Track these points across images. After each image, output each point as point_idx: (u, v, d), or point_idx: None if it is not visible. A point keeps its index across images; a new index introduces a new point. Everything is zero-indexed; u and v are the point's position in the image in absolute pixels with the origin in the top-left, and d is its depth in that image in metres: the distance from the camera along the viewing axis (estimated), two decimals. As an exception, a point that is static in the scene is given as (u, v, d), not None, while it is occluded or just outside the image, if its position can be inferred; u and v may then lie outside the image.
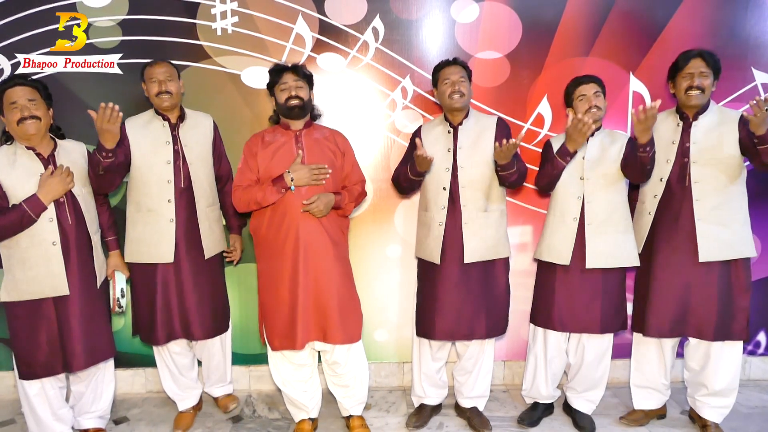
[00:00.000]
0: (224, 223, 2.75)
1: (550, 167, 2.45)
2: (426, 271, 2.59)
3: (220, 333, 2.70)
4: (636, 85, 2.89)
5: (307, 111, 2.43)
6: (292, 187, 2.31)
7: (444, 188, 2.47)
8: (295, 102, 2.36)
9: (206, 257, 2.54)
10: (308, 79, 2.44)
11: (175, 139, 2.48)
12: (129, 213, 2.52)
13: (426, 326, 2.57)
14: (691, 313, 2.43)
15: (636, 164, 2.36)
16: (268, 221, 2.39)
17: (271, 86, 2.43)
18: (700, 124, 2.40)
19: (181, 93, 2.52)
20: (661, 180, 2.44)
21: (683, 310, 2.43)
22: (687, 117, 2.42)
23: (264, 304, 2.46)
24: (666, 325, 2.45)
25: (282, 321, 2.38)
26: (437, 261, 2.49)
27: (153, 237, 2.45)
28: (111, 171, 2.32)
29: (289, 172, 2.31)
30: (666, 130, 2.46)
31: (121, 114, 2.17)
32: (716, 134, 2.37)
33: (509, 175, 2.41)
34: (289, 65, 2.41)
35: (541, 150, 2.67)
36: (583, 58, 2.86)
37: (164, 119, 2.48)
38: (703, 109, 2.41)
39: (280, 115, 2.45)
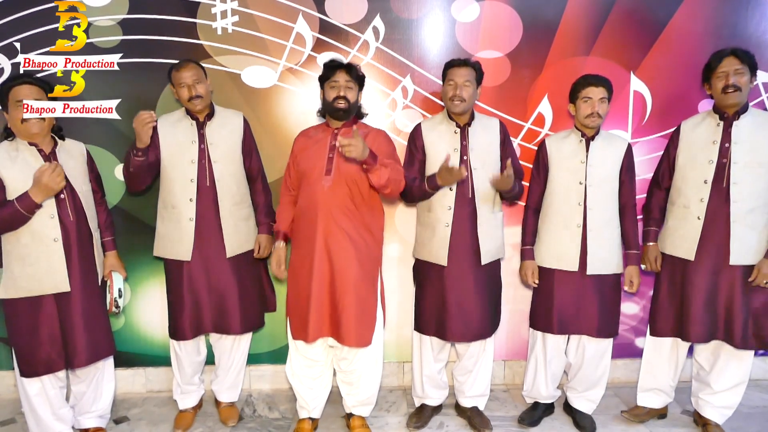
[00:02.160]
0: None
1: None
2: (430, 272, 2.54)
3: (250, 330, 2.68)
4: (637, 84, 2.88)
5: (351, 113, 2.41)
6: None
7: (450, 189, 2.45)
8: (341, 104, 2.35)
9: (228, 256, 2.53)
10: (360, 81, 2.43)
11: (202, 138, 2.49)
12: (158, 209, 2.57)
13: (435, 327, 2.54)
14: (726, 318, 2.39)
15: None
16: (298, 213, 2.43)
17: (322, 80, 2.42)
18: (741, 125, 2.35)
19: (210, 92, 2.53)
20: (705, 182, 2.36)
21: (720, 314, 2.40)
22: (727, 116, 2.37)
23: (288, 291, 2.49)
24: (706, 331, 2.40)
25: (299, 312, 2.40)
26: (444, 263, 2.47)
27: (175, 234, 2.48)
28: (142, 171, 2.39)
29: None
30: (706, 130, 2.41)
31: (155, 120, 2.27)
32: (757, 135, 2.33)
33: (506, 193, 2.50)
34: (345, 62, 2.41)
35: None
36: (583, 58, 2.85)
37: (193, 118, 2.50)
38: (743, 108, 2.36)
39: (325, 111, 2.45)
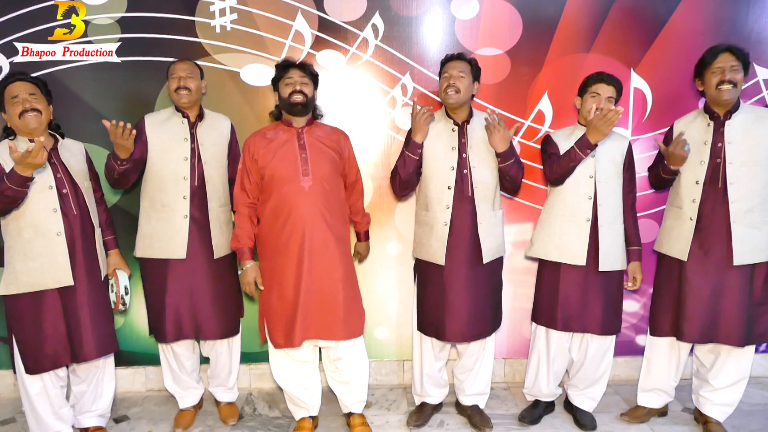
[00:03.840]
0: None
1: (567, 159, 2.37)
2: (429, 272, 2.53)
3: (230, 335, 2.65)
4: (637, 81, 2.88)
5: (309, 108, 2.40)
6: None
7: (449, 187, 2.43)
8: (298, 98, 2.33)
9: (215, 257, 2.52)
10: (314, 78, 2.43)
11: (193, 137, 2.48)
12: (143, 208, 2.52)
13: (434, 328, 2.53)
14: (723, 317, 2.38)
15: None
16: (270, 220, 2.38)
17: (276, 81, 2.41)
18: (734, 123, 2.33)
19: (201, 93, 2.52)
20: (697, 183, 2.36)
21: (716, 314, 2.38)
22: (717, 116, 2.36)
23: (266, 302, 2.44)
24: (699, 330, 2.40)
25: (284, 319, 2.37)
26: (441, 262, 2.45)
27: (166, 233, 2.45)
28: (128, 173, 2.36)
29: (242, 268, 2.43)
30: (696, 131, 2.40)
31: (134, 132, 2.21)
32: (751, 134, 2.32)
33: (509, 166, 2.39)
34: (297, 62, 2.40)
35: (540, 146, 2.65)
36: (584, 55, 2.84)
37: (184, 116, 2.49)
38: (735, 107, 2.35)
39: (282, 110, 2.43)
